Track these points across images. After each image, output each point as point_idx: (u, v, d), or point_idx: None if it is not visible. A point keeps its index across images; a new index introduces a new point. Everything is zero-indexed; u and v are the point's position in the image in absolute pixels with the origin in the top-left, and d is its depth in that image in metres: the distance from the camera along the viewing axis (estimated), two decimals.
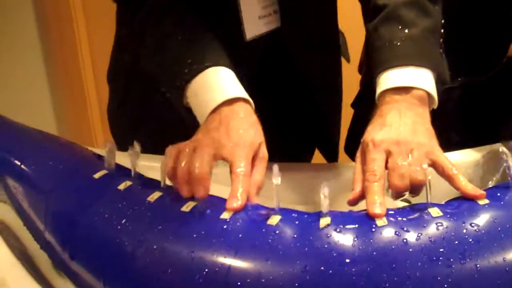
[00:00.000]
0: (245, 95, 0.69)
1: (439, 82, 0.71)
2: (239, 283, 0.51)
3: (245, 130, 0.65)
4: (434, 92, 0.68)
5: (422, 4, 0.73)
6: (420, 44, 0.71)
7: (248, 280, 0.50)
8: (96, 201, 0.61)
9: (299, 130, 1.00)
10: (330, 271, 0.50)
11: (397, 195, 0.60)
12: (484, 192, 0.56)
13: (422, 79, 0.68)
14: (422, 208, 0.55)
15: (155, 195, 0.60)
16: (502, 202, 0.55)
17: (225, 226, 0.55)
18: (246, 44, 0.84)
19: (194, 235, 0.54)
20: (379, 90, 0.69)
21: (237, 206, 0.57)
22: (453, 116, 1.02)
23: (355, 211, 0.58)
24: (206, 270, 0.52)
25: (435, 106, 0.70)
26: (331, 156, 1.02)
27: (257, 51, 0.88)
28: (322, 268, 0.50)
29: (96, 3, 1.93)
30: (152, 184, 0.63)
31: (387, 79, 0.68)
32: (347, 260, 0.50)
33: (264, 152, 0.66)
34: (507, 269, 0.49)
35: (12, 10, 1.96)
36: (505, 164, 0.58)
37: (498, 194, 0.57)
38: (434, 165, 0.61)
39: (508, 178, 0.58)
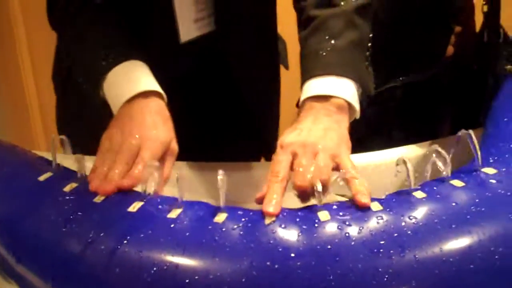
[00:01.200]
0: (159, 89, 0.71)
1: (363, 93, 0.74)
2: (187, 281, 0.51)
3: (157, 125, 0.67)
4: (354, 101, 0.71)
5: (350, 16, 0.76)
6: (344, 55, 0.73)
7: (196, 277, 0.51)
8: (41, 203, 0.61)
9: (235, 135, 1.01)
10: (276, 266, 0.51)
11: (302, 195, 0.61)
12: (368, 203, 0.57)
13: (343, 88, 0.70)
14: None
15: (101, 196, 0.59)
16: (438, 196, 0.58)
17: (172, 225, 0.55)
18: (180, 46, 0.84)
19: (142, 235, 0.55)
20: (301, 98, 0.71)
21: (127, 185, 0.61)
22: (396, 114, 1.05)
23: (299, 208, 0.59)
24: (154, 268, 0.52)
25: (357, 115, 0.73)
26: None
27: (192, 54, 0.88)
28: (268, 263, 0.51)
29: (34, 2, 1.88)
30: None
31: (310, 88, 0.71)
32: (292, 255, 0.52)
33: (174, 147, 0.69)
34: (444, 259, 0.52)
35: None
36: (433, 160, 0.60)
37: (434, 188, 0.59)
38: (337, 167, 0.63)
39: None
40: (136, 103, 0.69)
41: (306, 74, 0.72)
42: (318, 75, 0.71)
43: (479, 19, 1.07)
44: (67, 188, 0.61)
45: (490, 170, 0.61)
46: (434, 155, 0.59)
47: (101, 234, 0.55)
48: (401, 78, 1.02)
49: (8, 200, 0.64)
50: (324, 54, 0.72)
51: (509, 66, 1.13)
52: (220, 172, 0.56)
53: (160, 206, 0.58)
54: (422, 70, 1.03)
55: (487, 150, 0.66)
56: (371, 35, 0.80)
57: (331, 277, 0.50)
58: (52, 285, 0.56)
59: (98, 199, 0.59)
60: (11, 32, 1.92)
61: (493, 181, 0.59)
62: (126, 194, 0.60)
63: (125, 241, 0.54)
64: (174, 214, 0.56)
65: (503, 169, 0.61)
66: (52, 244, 0.57)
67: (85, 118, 0.95)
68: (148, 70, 0.73)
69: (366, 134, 1.05)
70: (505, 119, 0.71)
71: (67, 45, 0.82)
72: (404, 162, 0.58)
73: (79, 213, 0.58)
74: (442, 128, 1.08)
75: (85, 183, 0.62)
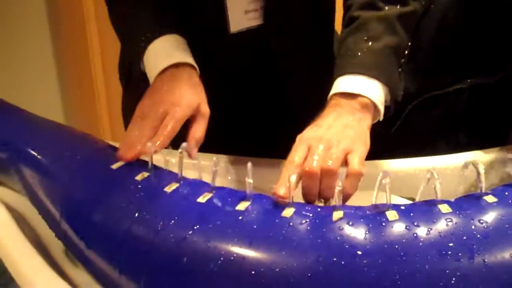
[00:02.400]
0: (192, 62, 0.76)
1: (391, 98, 0.75)
2: (253, 272, 0.52)
3: (184, 91, 0.71)
4: (380, 103, 0.72)
5: (392, 22, 0.77)
6: (379, 57, 0.74)
7: (262, 270, 0.52)
8: (113, 191, 0.63)
9: (275, 133, 1.00)
10: (342, 262, 0.51)
11: (307, 184, 0.62)
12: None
13: (371, 89, 0.71)
14: (432, 204, 0.56)
15: (172, 185, 0.61)
16: (510, 201, 0.56)
17: (240, 217, 0.56)
18: (229, 37, 0.86)
19: (210, 225, 0.56)
20: (330, 93, 0.73)
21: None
22: (462, 118, 1.03)
23: (366, 206, 0.59)
24: (221, 259, 0.53)
25: (381, 118, 0.74)
26: None
27: (240, 46, 0.89)
28: (335, 259, 0.51)
29: None
30: (169, 175, 0.64)
31: (339, 84, 0.72)
32: (359, 252, 0.52)
33: (204, 110, 0.72)
34: None
35: (24, 6, 1.98)
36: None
37: (506, 193, 0.58)
38: (346, 163, 0.64)
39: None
40: (167, 74, 0.74)
41: (339, 71, 0.73)
42: (349, 73, 0.72)
43: None
44: (139, 177, 0.63)
45: None
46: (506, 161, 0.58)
47: (171, 223, 0.57)
48: (469, 80, 1.00)
49: (81, 187, 0.67)
50: (359, 54, 0.73)
51: None
52: (249, 164, 0.58)
53: (229, 199, 0.59)
54: (491, 72, 1.00)
55: None
56: (409, 43, 0.81)
57: (397, 277, 0.50)
58: (120, 272, 0.58)
59: (169, 188, 0.61)
60: (83, 27, 1.99)
61: None
62: (196, 185, 0.62)
63: (193, 231, 0.56)
64: (242, 206, 0.57)
65: None
66: (122, 231, 0.59)
67: None
68: (185, 45, 0.78)
69: (431, 136, 1.04)
70: None
71: (114, 21, 0.87)
72: (475, 165, 0.57)
73: (150, 202, 0.60)
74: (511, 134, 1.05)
75: (156, 172, 0.64)
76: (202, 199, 0.59)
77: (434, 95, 1.05)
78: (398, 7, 0.78)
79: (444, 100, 1.03)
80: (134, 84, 0.99)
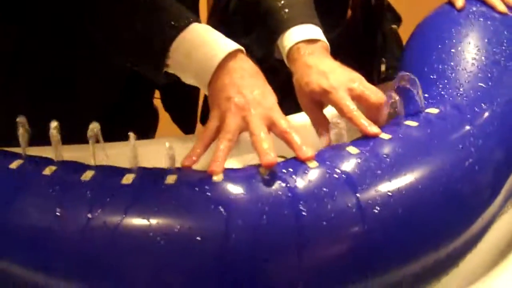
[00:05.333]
0: (240, 46, 0.70)
1: None
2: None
3: (266, 89, 0.68)
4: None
5: None
6: (310, 7, 0.83)
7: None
8: (21, 190, 0.58)
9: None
10: None
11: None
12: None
13: (321, 34, 0.79)
14: (342, 146, 0.63)
15: (89, 173, 0.59)
16: (400, 135, 0.65)
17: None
18: None
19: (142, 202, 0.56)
20: (289, 43, 0.78)
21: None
22: None
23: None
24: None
25: None
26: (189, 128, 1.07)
27: None
28: None
29: None
30: (79, 165, 0.61)
31: (296, 34, 0.78)
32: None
33: None
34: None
35: None
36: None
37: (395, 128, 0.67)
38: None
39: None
40: (236, 66, 0.68)
41: (285, 24, 0.79)
42: (301, 23, 0.78)
43: None
44: (46, 171, 0.59)
45: (433, 110, 0.70)
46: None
47: (99, 211, 0.55)
48: None
49: None
50: (296, 8, 0.81)
51: (394, 26, 1.28)
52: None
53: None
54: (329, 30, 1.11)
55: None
56: None
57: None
58: (49, 275, 0.55)
59: (86, 176, 0.59)
60: None
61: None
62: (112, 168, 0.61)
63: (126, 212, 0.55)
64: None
65: (443, 108, 0.70)
66: (45, 230, 0.55)
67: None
68: (213, 29, 0.72)
69: (279, 98, 1.12)
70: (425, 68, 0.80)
71: (115, 22, 0.75)
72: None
73: (70, 193, 0.57)
74: None
75: (64, 163, 0.61)
76: (126, 180, 0.58)
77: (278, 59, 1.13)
78: None
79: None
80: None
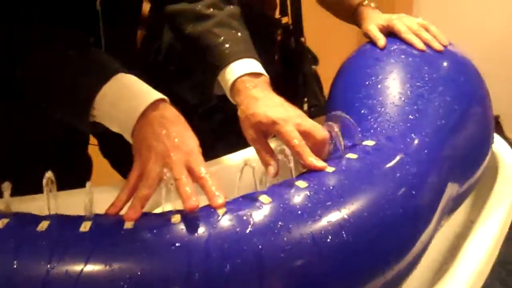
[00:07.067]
0: (164, 96, 0.72)
1: None
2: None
3: (186, 136, 0.69)
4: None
5: (239, 17, 0.90)
6: (249, 43, 0.86)
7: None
8: None
9: None
10: None
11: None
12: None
13: (262, 68, 0.83)
14: (291, 182, 0.66)
15: (44, 224, 0.59)
16: (343, 167, 0.69)
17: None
18: None
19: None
20: (233, 77, 0.81)
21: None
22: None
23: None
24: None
25: None
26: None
27: None
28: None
29: None
30: (32, 216, 0.61)
31: (239, 68, 0.81)
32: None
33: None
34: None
35: None
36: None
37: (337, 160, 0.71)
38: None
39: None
40: (156, 115, 0.69)
41: (227, 59, 0.82)
42: (242, 58, 0.82)
43: None
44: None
45: (369, 142, 0.74)
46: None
47: (60, 259, 0.55)
48: None
49: None
50: (239, 42, 0.85)
51: (313, 66, 1.35)
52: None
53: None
54: None
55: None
56: None
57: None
58: None
59: (41, 227, 0.58)
60: None
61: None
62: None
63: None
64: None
65: (378, 140, 0.75)
66: (5, 284, 0.54)
67: None
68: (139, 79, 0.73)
69: (210, 140, 1.14)
70: (356, 104, 0.85)
71: (38, 72, 0.75)
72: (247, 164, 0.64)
73: (26, 245, 0.56)
74: None
75: (16, 215, 0.60)
76: (83, 228, 0.58)
77: (214, 105, 1.16)
78: (232, 7, 0.91)
79: (223, 107, 1.15)
80: None
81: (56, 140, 0.96)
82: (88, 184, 0.59)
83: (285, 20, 1.33)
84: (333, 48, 2.20)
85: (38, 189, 0.67)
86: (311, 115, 1.33)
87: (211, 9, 0.88)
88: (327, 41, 2.16)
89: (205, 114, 1.19)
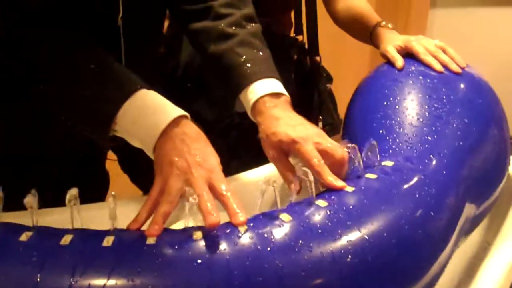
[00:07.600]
0: (185, 112, 0.72)
1: None
2: None
3: (209, 152, 0.70)
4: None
5: (261, 37, 0.90)
6: (271, 63, 0.87)
7: None
8: None
9: None
10: None
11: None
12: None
13: (283, 88, 0.84)
14: (311, 201, 0.66)
15: (68, 237, 0.59)
16: (362, 187, 0.70)
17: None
18: None
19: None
20: (254, 96, 0.82)
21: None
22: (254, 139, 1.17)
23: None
24: None
25: None
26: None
27: None
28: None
29: None
30: (56, 230, 0.62)
31: (260, 88, 0.82)
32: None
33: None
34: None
35: None
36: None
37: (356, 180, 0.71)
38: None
39: None
40: (178, 132, 0.69)
41: (248, 78, 0.83)
42: (263, 78, 0.83)
43: None
44: (23, 238, 0.59)
45: (388, 163, 0.75)
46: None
47: (83, 274, 0.56)
48: None
49: None
50: (260, 62, 0.86)
51: (328, 85, 1.36)
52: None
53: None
54: None
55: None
56: None
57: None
58: None
59: (65, 241, 0.59)
60: None
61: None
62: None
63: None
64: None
65: (397, 161, 0.75)
66: None
67: None
68: (159, 95, 0.73)
69: (226, 157, 1.15)
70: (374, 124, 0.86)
71: (58, 87, 0.76)
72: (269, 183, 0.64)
73: (50, 258, 0.57)
74: None
75: (40, 229, 0.61)
76: (106, 242, 0.59)
77: (230, 122, 1.17)
78: (253, 24, 0.92)
79: (240, 125, 1.16)
80: None
81: (75, 153, 0.97)
82: (111, 196, 0.60)
83: (299, 38, 1.35)
84: (346, 66, 2.22)
85: (57, 201, 0.68)
86: (326, 133, 1.34)
87: (234, 28, 0.89)
88: (341, 60, 2.17)
89: (222, 131, 1.19)
